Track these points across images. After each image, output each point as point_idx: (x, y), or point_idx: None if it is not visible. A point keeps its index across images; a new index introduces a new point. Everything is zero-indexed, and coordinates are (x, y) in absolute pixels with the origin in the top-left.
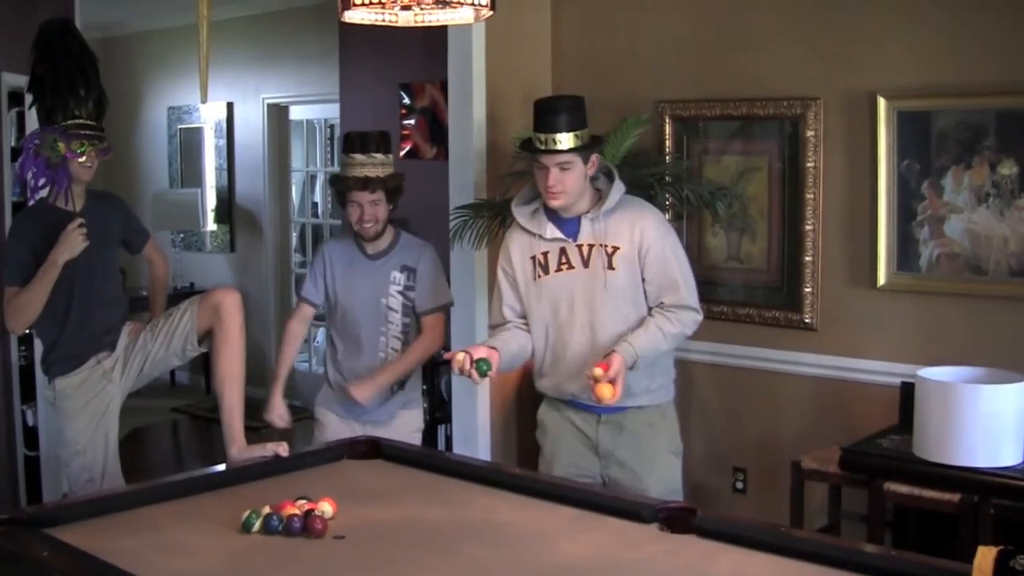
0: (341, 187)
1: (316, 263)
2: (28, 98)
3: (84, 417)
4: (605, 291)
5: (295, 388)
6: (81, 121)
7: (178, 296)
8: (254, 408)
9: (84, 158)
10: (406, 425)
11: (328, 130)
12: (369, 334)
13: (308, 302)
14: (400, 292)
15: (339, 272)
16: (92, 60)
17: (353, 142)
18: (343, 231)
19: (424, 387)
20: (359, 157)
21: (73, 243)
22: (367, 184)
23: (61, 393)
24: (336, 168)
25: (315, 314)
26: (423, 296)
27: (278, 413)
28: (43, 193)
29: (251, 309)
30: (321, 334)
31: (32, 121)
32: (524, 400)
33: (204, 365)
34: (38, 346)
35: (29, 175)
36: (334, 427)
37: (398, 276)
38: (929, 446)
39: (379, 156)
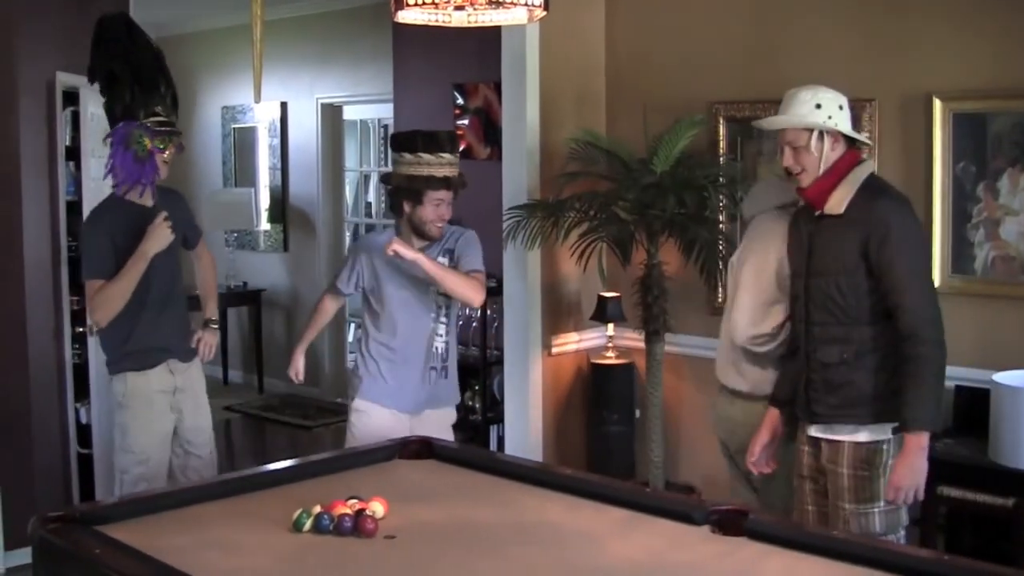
0: (427, 186)
1: (353, 259)
2: (85, 92)
3: (153, 426)
4: None
5: (344, 387)
6: (161, 118)
7: (231, 295)
8: (307, 407)
9: (166, 154)
10: (443, 417)
11: (382, 130)
12: (420, 323)
13: (339, 291)
14: None
15: (383, 267)
16: (161, 55)
17: (442, 141)
18: (394, 229)
19: (475, 387)
20: (448, 156)
21: (162, 236)
22: (463, 184)
23: (132, 391)
24: (387, 167)
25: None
26: (466, 259)
27: (295, 369)
28: (128, 188)
29: (304, 308)
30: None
31: (87, 120)
32: (576, 401)
33: (258, 364)
34: (91, 345)
35: (118, 169)
36: (380, 418)
37: (443, 261)
38: (1004, 450)
39: (457, 155)
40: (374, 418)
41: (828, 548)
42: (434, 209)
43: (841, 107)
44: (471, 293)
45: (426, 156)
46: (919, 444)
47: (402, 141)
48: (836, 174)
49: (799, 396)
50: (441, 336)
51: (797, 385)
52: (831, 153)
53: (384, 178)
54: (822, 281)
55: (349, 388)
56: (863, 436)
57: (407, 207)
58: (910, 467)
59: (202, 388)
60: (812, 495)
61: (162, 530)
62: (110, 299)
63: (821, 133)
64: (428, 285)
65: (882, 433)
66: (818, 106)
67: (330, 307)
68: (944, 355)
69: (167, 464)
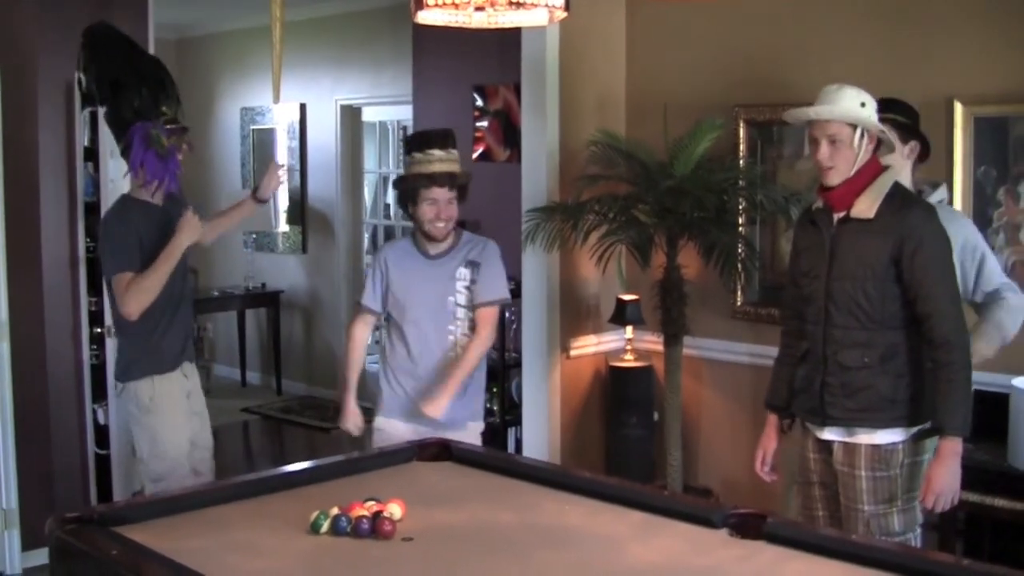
0: (417, 184)
1: (374, 269)
2: (79, 95)
3: (182, 428)
4: None
5: (365, 390)
6: (169, 116)
7: (250, 297)
8: (325, 409)
9: (180, 154)
10: (472, 431)
11: (401, 131)
12: (438, 333)
13: (369, 310)
14: (467, 288)
15: (400, 275)
16: (156, 57)
17: (431, 139)
18: (404, 234)
19: (493, 389)
20: (438, 153)
21: (195, 228)
22: (452, 180)
23: (159, 394)
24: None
25: (376, 322)
26: (484, 287)
27: (353, 421)
28: (156, 186)
29: (323, 310)
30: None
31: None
32: (594, 403)
33: (276, 365)
34: (109, 346)
35: (140, 167)
36: (401, 434)
37: (464, 272)
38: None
39: (454, 152)
40: (394, 434)
41: (847, 552)
42: (430, 207)
43: (878, 109)
44: (485, 348)
45: (417, 155)
46: (955, 449)
47: (405, 145)
48: (864, 178)
49: (811, 399)
50: (464, 347)
51: (808, 388)
52: (864, 154)
53: (393, 183)
54: (847, 284)
55: (376, 400)
56: (880, 438)
57: (410, 209)
58: (948, 472)
59: (199, 386)
60: (823, 500)
61: (179, 531)
62: (145, 290)
63: (863, 132)
64: (447, 296)
65: (899, 434)
66: (863, 104)
67: (362, 335)
68: (971, 361)
69: (192, 470)
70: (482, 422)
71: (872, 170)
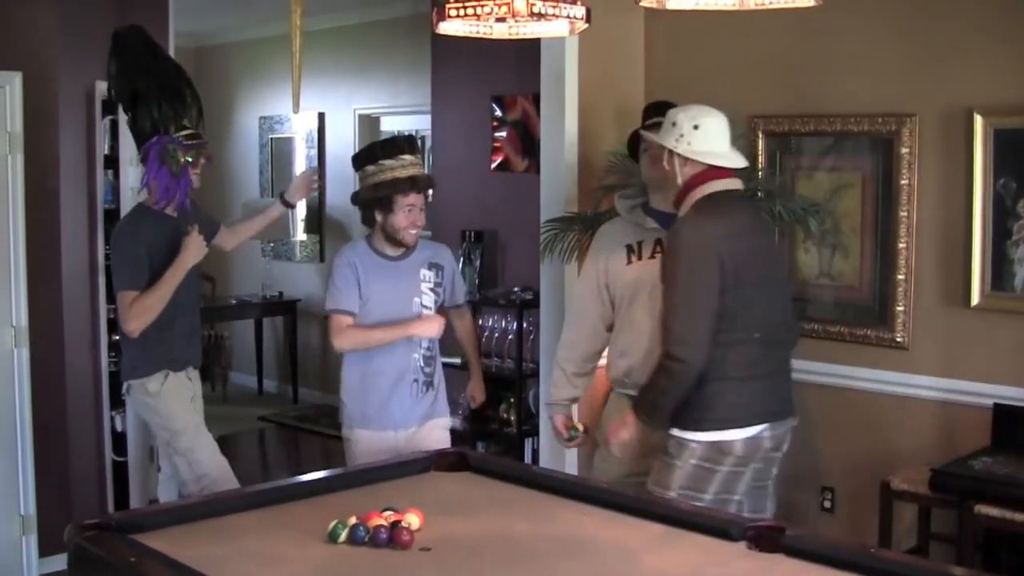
0: (396, 190)
1: (345, 271)
2: (115, 107)
3: (191, 416)
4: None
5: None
6: (189, 131)
7: (267, 305)
8: (331, 417)
9: (197, 168)
10: (435, 427)
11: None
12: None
13: (349, 313)
14: (431, 289)
15: (366, 278)
16: (181, 67)
17: (401, 145)
18: (365, 238)
19: (511, 399)
20: (408, 158)
21: (200, 248)
22: (429, 184)
23: (169, 386)
24: None
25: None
26: (457, 290)
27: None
28: (166, 203)
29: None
30: None
31: (126, 129)
32: None
33: (292, 374)
34: None
35: (153, 183)
36: (368, 441)
37: (427, 274)
38: None
39: (417, 157)
40: (363, 445)
41: (864, 565)
42: (406, 216)
43: (697, 127)
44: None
45: (387, 162)
46: (630, 420)
47: (361, 156)
48: (682, 193)
49: None
50: (424, 346)
51: None
52: (684, 169)
53: (352, 198)
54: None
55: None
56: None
57: (379, 217)
58: (619, 424)
59: (200, 394)
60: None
61: (197, 539)
62: (149, 309)
63: (671, 151)
64: (412, 297)
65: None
66: (673, 124)
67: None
68: (679, 373)
69: (211, 458)
70: (448, 418)
71: (687, 188)
